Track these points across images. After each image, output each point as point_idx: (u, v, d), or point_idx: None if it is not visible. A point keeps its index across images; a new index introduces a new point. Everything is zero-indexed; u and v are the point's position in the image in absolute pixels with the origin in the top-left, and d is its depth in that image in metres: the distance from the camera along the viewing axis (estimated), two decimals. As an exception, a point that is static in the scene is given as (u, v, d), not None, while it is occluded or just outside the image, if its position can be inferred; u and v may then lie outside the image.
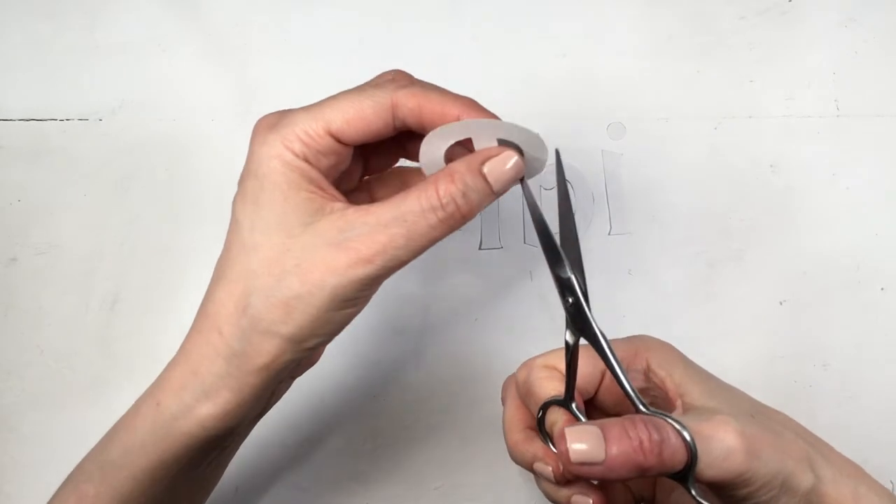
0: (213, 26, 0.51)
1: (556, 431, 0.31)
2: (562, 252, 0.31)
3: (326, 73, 0.50)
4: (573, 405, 0.31)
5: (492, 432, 0.44)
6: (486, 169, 0.30)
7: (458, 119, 0.30)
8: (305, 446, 0.45)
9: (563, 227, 0.32)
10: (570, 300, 0.31)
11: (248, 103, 0.50)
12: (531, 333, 0.46)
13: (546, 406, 0.32)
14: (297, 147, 0.29)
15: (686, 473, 0.27)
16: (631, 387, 0.29)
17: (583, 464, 0.27)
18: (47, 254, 0.47)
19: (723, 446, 0.27)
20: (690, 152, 0.49)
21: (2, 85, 0.50)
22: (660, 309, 0.46)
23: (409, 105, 0.30)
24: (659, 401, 0.32)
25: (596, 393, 0.34)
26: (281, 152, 0.29)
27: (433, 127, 0.30)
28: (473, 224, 0.48)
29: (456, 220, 0.29)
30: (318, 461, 0.44)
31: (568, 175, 0.48)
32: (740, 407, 0.30)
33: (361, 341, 0.46)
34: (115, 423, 0.32)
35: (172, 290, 0.47)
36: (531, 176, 0.32)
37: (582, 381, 0.33)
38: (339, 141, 0.30)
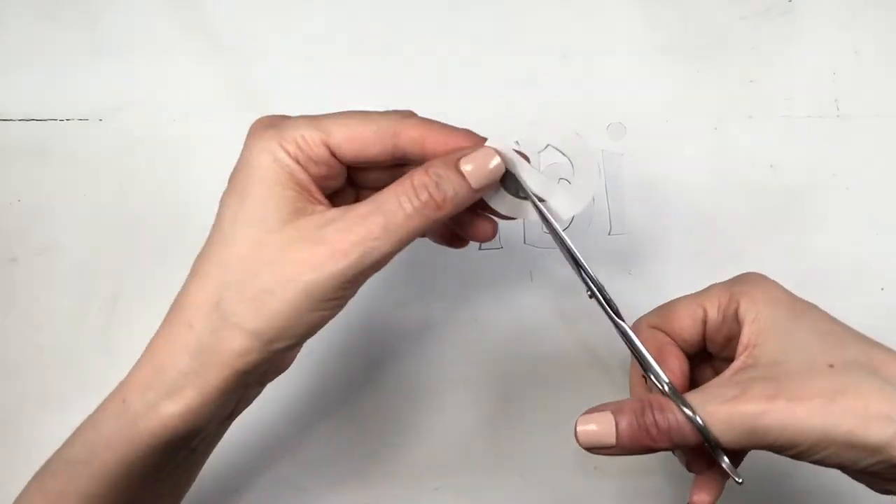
0: (213, 26, 0.51)
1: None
2: (580, 264, 0.33)
3: (327, 73, 0.50)
4: (657, 378, 0.32)
5: (492, 432, 0.44)
6: (463, 164, 0.30)
7: (458, 149, 0.31)
8: (306, 446, 0.45)
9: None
10: (590, 294, 0.33)
11: (248, 103, 0.50)
12: (531, 333, 0.46)
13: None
14: (292, 148, 0.29)
15: (709, 444, 0.29)
16: (654, 374, 0.31)
17: (595, 447, 0.30)
18: (47, 254, 0.47)
19: (738, 429, 0.28)
20: (690, 152, 0.49)
21: (2, 85, 0.50)
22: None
23: (412, 134, 0.31)
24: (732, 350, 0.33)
25: (704, 342, 0.35)
26: (274, 149, 0.29)
27: (434, 155, 0.31)
28: (473, 224, 0.48)
29: (431, 210, 0.29)
30: (319, 461, 0.44)
31: (568, 175, 0.48)
32: (816, 359, 0.29)
33: (361, 341, 0.46)
34: (83, 419, 0.32)
35: (172, 290, 0.46)
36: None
37: (685, 333, 0.34)
38: (334, 155, 0.30)
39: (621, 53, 0.50)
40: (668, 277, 0.46)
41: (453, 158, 0.30)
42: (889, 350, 0.30)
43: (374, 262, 0.29)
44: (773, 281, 0.33)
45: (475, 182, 0.30)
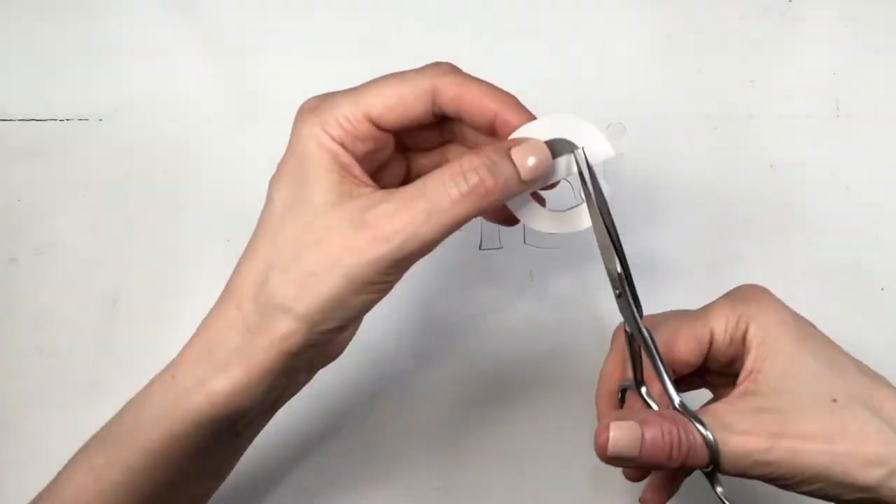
0: (213, 26, 0.51)
1: (599, 423, 0.30)
2: (619, 247, 0.31)
3: (327, 73, 0.50)
4: (643, 390, 0.32)
5: (492, 432, 0.44)
6: (515, 154, 0.30)
7: (494, 115, 0.30)
8: (306, 446, 0.45)
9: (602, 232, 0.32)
10: (619, 293, 0.32)
11: (248, 104, 0.50)
12: (531, 333, 0.46)
13: (623, 387, 0.34)
14: (335, 131, 0.30)
15: (710, 470, 0.29)
16: (669, 385, 0.30)
17: (618, 458, 0.28)
18: (47, 254, 0.47)
19: (743, 460, 0.29)
20: (690, 152, 0.49)
21: (2, 85, 0.50)
22: (660, 309, 0.46)
23: (450, 93, 0.30)
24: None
25: (706, 361, 0.34)
26: (318, 134, 0.29)
27: (471, 118, 0.31)
28: (474, 224, 0.47)
29: (480, 196, 0.28)
30: (319, 461, 0.44)
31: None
32: (820, 391, 0.29)
33: (360, 340, 0.46)
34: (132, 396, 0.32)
35: (172, 290, 0.46)
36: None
37: (691, 356, 0.33)
38: (377, 126, 0.30)
39: (621, 53, 0.50)
40: (667, 277, 0.46)
41: (503, 146, 0.30)
42: (888, 385, 0.30)
43: (417, 248, 0.28)
44: (779, 300, 0.33)
45: (525, 174, 0.30)
